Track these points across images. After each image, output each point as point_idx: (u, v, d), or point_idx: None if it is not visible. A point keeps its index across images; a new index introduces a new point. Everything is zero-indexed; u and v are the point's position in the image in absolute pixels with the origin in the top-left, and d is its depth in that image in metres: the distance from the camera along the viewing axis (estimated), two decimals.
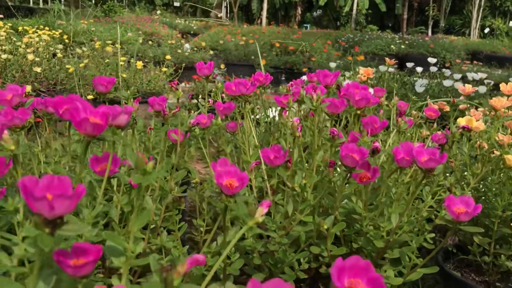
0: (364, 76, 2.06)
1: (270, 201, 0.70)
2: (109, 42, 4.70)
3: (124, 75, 3.70)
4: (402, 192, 1.17)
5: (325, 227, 0.93)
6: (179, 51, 6.17)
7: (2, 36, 4.37)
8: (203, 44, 6.77)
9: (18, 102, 1.05)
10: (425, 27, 19.16)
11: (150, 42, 6.69)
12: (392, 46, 8.93)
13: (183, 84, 5.55)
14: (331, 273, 0.55)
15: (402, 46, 9.01)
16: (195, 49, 6.83)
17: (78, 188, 0.53)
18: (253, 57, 6.57)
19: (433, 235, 1.21)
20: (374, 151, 0.99)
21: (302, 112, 1.63)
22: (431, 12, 18.54)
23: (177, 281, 0.52)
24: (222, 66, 6.15)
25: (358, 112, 1.09)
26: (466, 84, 1.65)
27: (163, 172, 1.10)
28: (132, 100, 1.32)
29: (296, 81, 1.61)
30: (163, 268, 0.52)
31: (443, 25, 18.76)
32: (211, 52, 6.73)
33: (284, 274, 1.06)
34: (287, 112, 1.46)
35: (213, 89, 1.50)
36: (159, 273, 0.52)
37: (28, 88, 2.95)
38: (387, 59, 2.14)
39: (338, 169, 1.24)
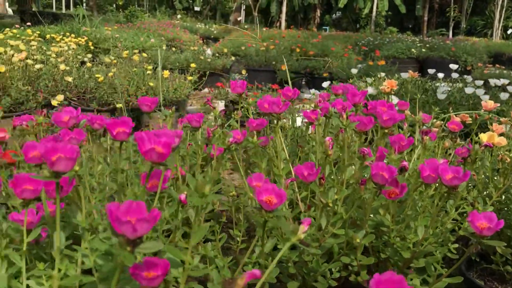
0: (388, 87, 2.13)
1: (310, 219, 0.78)
2: (136, 51, 4.83)
3: (152, 84, 3.83)
4: (427, 205, 1.24)
5: (358, 240, 1.01)
6: (202, 57, 6.30)
7: (34, 46, 4.55)
8: (225, 50, 6.88)
9: (74, 123, 1.15)
10: (446, 28, 18.98)
11: (173, 49, 6.83)
12: (412, 49, 8.91)
13: (206, 90, 5.67)
14: (370, 285, 0.63)
15: (423, 50, 8.98)
16: (217, 55, 6.95)
17: (153, 212, 0.62)
18: (274, 63, 6.65)
19: (456, 245, 1.28)
20: (402, 170, 1.06)
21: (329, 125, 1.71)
22: (452, 14, 18.35)
23: None
24: (244, 71, 6.27)
25: (386, 131, 1.17)
26: (488, 100, 1.71)
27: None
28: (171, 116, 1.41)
29: (322, 95, 1.69)
30: (226, 282, 0.60)
31: (465, 26, 18.56)
32: (233, 58, 6.84)
33: (317, 282, 1.15)
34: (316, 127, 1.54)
35: (245, 105, 1.59)
36: (222, 286, 0.61)
37: (61, 97, 3.10)
38: (410, 71, 2.20)
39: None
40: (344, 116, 1.17)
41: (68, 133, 1.12)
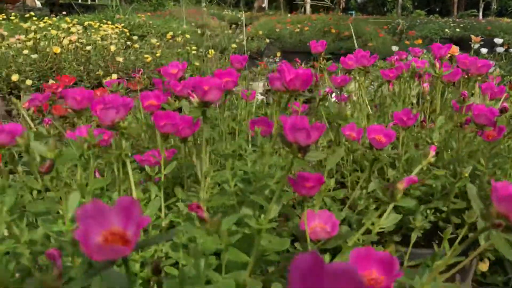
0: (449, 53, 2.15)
1: (435, 146, 0.83)
2: (179, 31, 4.93)
3: (197, 63, 3.90)
4: None
5: (466, 175, 1.06)
6: (237, 40, 6.36)
7: (80, 30, 4.68)
8: (260, 32, 6.92)
9: (180, 76, 1.23)
10: (476, 10, 18.55)
11: (208, 33, 6.91)
12: (446, 29, 8.79)
13: (246, 71, 5.72)
14: (494, 189, 0.69)
15: (457, 30, 8.85)
16: (250, 38, 7.00)
17: (316, 124, 0.68)
18: (308, 44, 6.66)
19: None
20: (502, 110, 1.10)
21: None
22: None
23: (399, 195, 0.66)
24: (278, 53, 6.29)
25: (479, 78, 1.20)
26: None
27: None
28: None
29: (396, 56, 1.73)
30: (388, 185, 0.66)
31: (495, 7, 18.11)
32: (267, 40, 6.87)
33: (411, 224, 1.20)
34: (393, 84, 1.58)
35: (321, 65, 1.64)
36: (382, 190, 0.67)
37: (115, 76, 3.20)
38: (473, 36, 2.21)
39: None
40: (437, 65, 1.21)
41: (178, 84, 1.20)
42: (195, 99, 0.89)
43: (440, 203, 1.23)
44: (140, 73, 1.40)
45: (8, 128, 0.74)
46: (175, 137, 1.14)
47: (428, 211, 1.23)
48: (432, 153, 0.82)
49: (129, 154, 0.89)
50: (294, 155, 0.66)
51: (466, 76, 1.38)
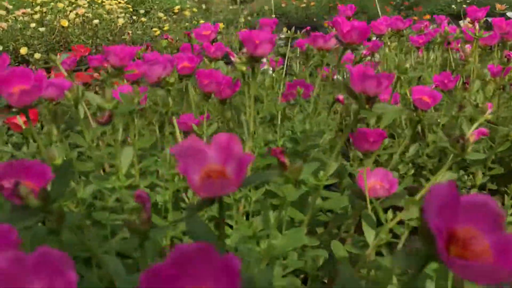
0: None
1: (492, 104, 0.80)
2: (187, 6, 4.85)
3: None
4: None
5: (511, 135, 1.04)
6: (242, 15, 6.27)
7: (85, 4, 4.60)
8: (266, 7, 6.83)
9: (214, 38, 1.19)
10: None
11: (213, 8, 6.82)
12: (452, 5, 8.66)
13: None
14: None
15: (464, 5, 8.71)
16: (255, 15, 6.91)
17: (384, 74, 0.66)
18: (315, 19, 6.58)
19: None
20: None
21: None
22: None
23: (470, 147, 0.64)
24: (285, 29, 6.21)
25: None
26: None
27: None
28: None
29: (425, 22, 1.70)
30: (459, 138, 0.64)
31: None
32: (273, 16, 6.78)
33: None
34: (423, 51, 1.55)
35: None
36: (452, 142, 0.64)
37: None
38: (497, 4, 2.16)
39: None
40: (477, 26, 1.17)
41: (210, 46, 1.16)
42: (236, 58, 0.87)
43: (478, 168, 1.21)
44: (168, 37, 1.37)
45: (56, 81, 0.72)
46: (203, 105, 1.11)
47: (466, 177, 1.22)
48: (489, 110, 0.80)
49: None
50: (361, 106, 0.64)
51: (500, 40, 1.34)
